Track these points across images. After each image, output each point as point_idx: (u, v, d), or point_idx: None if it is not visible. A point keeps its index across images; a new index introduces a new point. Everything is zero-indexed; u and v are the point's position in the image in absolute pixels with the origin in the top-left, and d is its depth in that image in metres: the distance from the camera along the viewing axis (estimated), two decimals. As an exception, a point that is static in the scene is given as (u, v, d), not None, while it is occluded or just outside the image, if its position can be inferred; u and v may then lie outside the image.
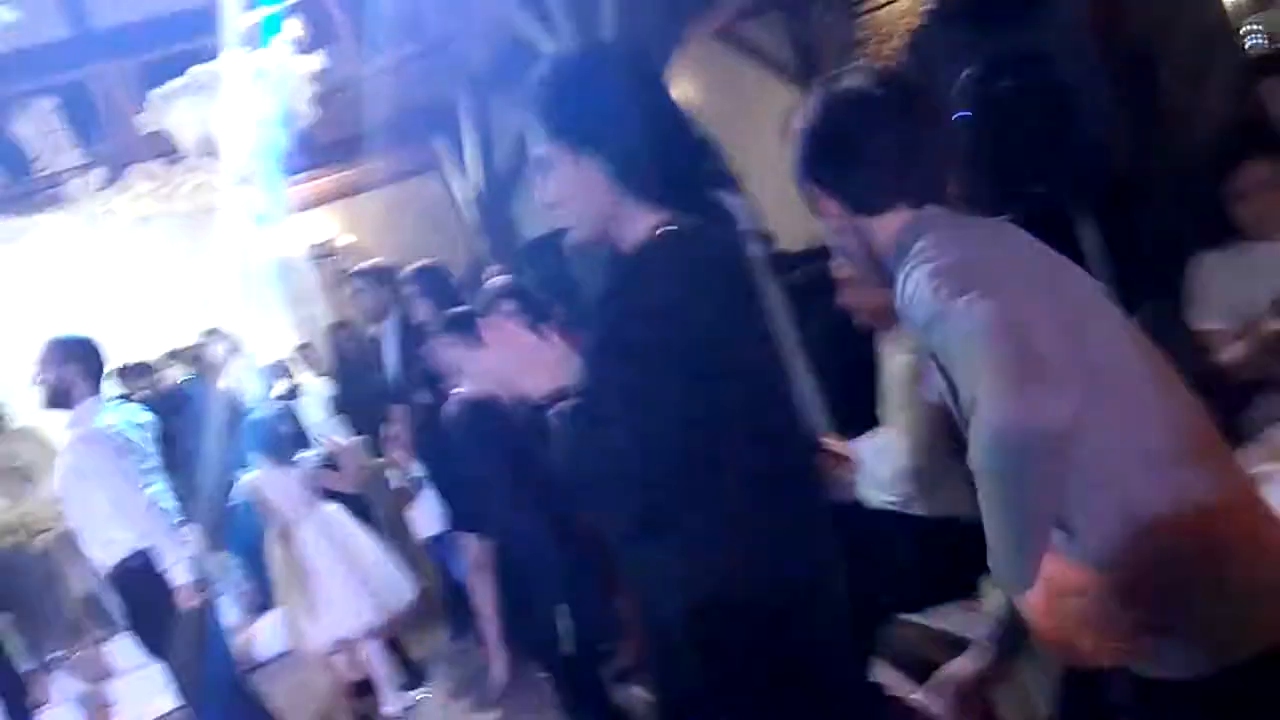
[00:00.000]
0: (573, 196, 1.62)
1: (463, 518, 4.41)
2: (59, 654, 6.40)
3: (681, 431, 1.47)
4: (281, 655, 5.95)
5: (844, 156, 1.49)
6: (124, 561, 3.76)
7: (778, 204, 3.37)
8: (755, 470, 1.53)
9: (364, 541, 4.69)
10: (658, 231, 1.57)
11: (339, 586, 4.46)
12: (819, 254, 2.76)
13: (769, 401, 1.62)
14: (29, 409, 7.37)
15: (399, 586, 4.66)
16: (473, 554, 4.49)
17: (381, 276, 4.90)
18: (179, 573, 3.71)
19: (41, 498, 7.11)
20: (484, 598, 4.48)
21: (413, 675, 4.94)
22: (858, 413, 2.71)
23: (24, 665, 5.87)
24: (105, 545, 3.79)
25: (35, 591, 6.70)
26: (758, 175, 3.90)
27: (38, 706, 5.65)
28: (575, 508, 2.78)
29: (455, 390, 3.36)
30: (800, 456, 1.70)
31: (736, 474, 1.52)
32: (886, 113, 1.46)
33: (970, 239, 1.45)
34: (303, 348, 8.54)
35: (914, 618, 2.39)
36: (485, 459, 3.29)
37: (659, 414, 1.46)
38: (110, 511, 3.73)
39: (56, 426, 4.18)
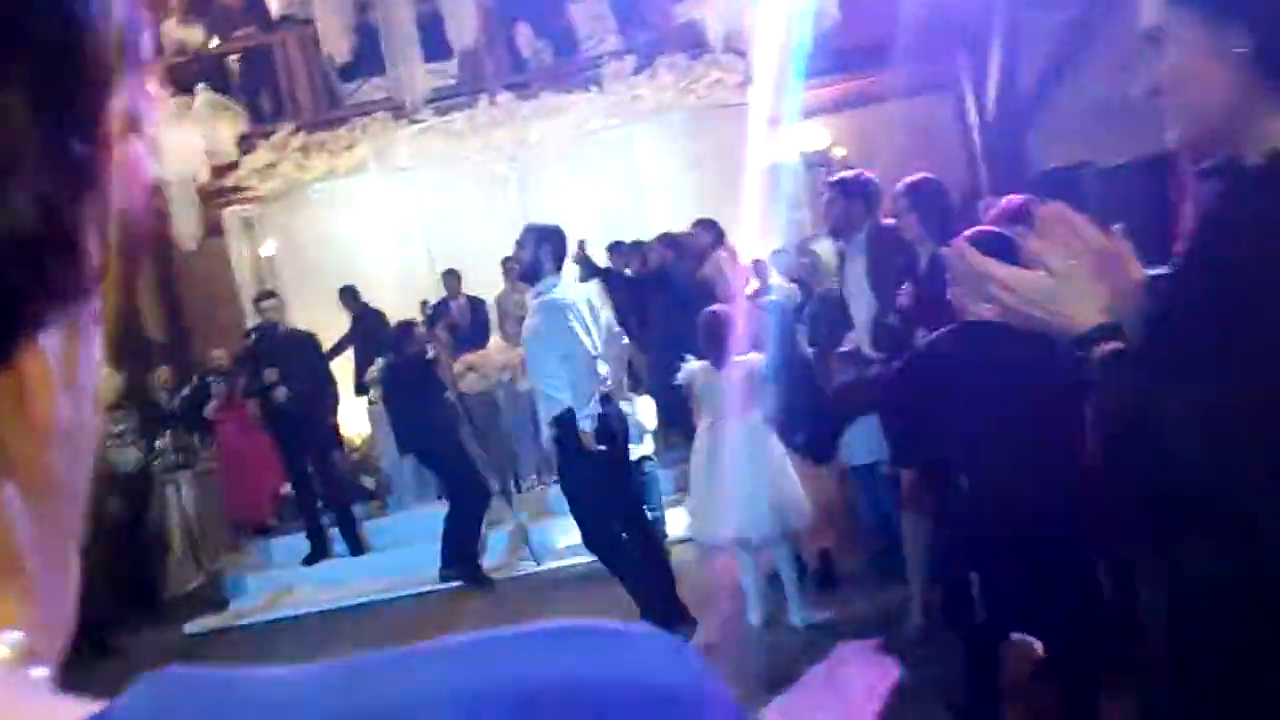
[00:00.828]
0: (1188, 82, 1.24)
1: (911, 453, 4.17)
2: (513, 486, 7.20)
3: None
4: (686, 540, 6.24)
5: None
6: (559, 415, 4.50)
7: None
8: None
9: (779, 456, 4.70)
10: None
11: (747, 491, 4.51)
12: None
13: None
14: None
15: (800, 507, 4.65)
16: (907, 489, 4.27)
17: (857, 188, 4.64)
18: (585, 424, 4.43)
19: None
20: (912, 537, 4.27)
21: (827, 591, 4.91)
22: None
23: (492, 487, 6.71)
24: (547, 398, 4.59)
25: (510, 428, 7.54)
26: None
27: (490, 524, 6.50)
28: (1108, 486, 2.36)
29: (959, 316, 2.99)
30: None
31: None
32: None
33: None
34: (777, 253, 8.67)
35: None
36: (977, 402, 2.84)
37: (1265, 379, 1.10)
38: (554, 369, 4.48)
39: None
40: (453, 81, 10.09)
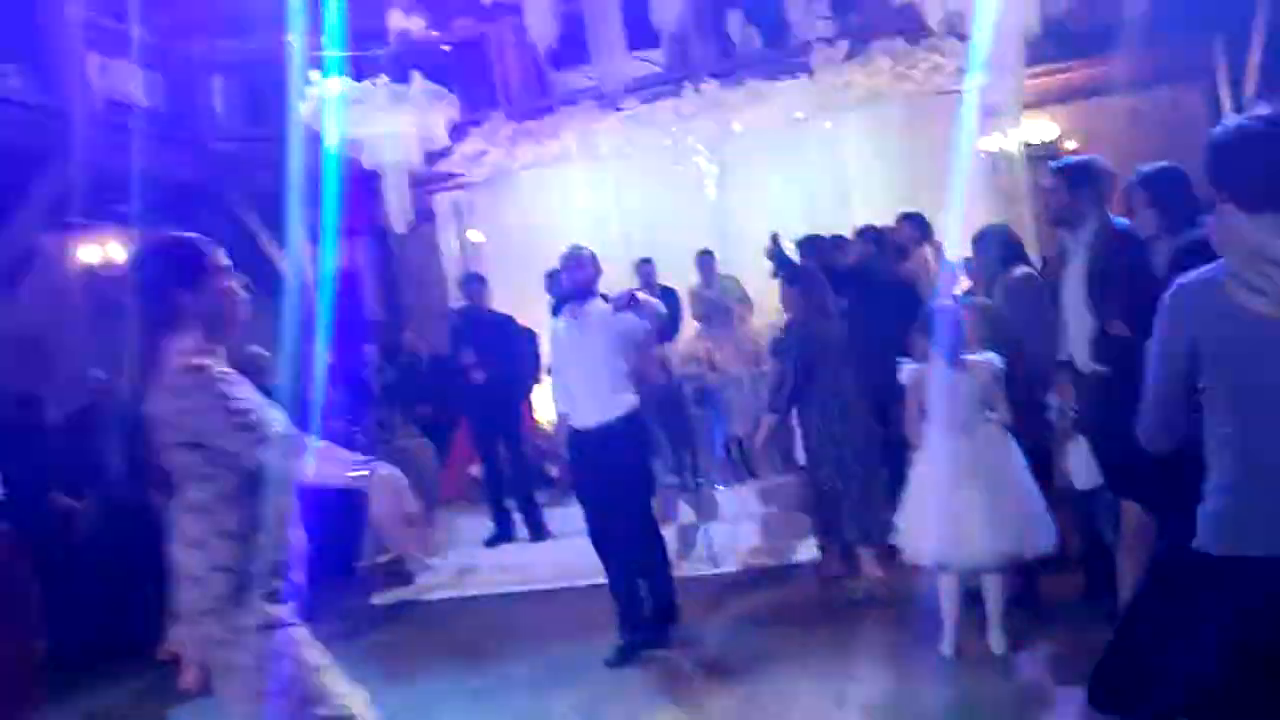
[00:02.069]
0: None
1: (1125, 485, 3.68)
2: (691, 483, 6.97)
3: None
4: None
5: None
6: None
7: None
8: None
9: (1019, 470, 4.24)
10: None
11: (977, 510, 4.10)
12: None
13: None
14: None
15: (1043, 529, 4.18)
16: (1131, 524, 3.77)
17: (1084, 175, 4.06)
18: None
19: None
20: (1126, 575, 3.77)
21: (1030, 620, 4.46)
22: None
23: (664, 481, 6.53)
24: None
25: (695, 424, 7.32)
26: None
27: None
28: None
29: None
30: None
31: None
32: None
33: None
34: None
35: None
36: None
37: None
38: None
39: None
40: (658, 69, 10.01)
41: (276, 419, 2.22)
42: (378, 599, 6.77)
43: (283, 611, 2.26)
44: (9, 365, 7.98)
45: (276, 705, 2.17)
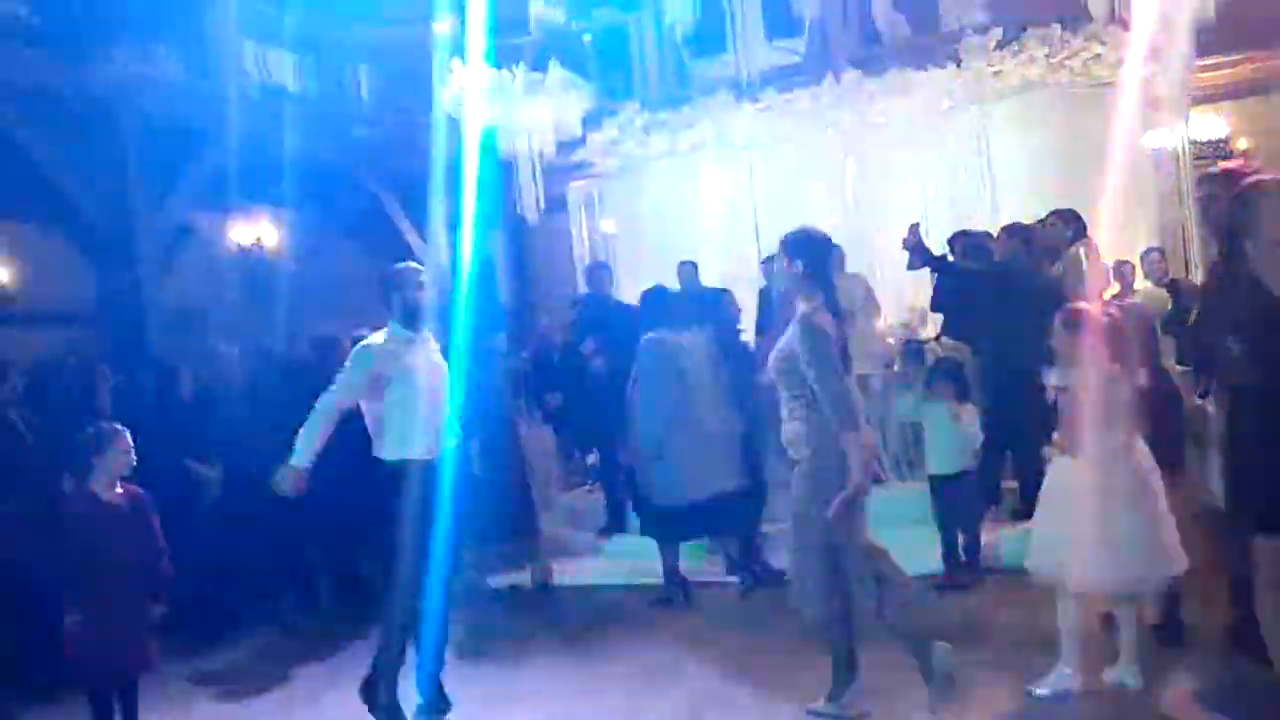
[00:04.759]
0: None
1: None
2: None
3: None
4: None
5: None
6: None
7: None
8: None
9: (1159, 490, 3.87)
10: None
11: (1122, 530, 3.74)
12: None
13: None
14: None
15: (1180, 554, 3.82)
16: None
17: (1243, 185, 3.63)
18: None
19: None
20: (1275, 617, 3.34)
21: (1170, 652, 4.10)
22: None
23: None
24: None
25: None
26: None
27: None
28: None
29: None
30: None
31: None
32: None
33: None
34: (1149, 252, 7.58)
35: None
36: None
37: None
38: None
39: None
40: (798, 59, 9.76)
41: None
42: (494, 581, 6.77)
43: None
44: (159, 338, 8.39)
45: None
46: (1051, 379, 4.16)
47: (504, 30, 9.22)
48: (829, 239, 4.14)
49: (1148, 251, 7.59)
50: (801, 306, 3.90)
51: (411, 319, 4.30)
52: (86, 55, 7.85)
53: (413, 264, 4.49)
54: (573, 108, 9.19)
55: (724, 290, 7.14)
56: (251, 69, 9.81)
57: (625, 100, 10.31)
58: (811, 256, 3.95)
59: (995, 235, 7.14)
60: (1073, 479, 3.93)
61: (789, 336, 3.89)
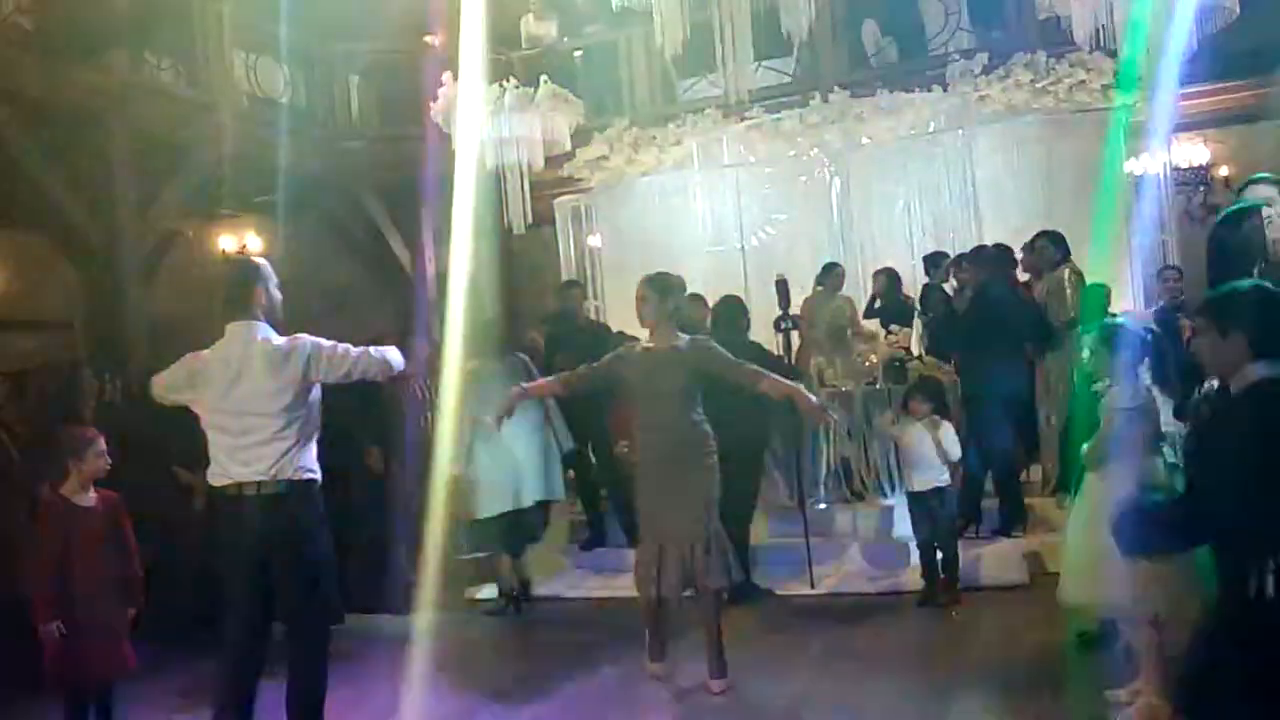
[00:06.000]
0: None
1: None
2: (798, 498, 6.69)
3: None
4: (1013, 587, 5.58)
5: None
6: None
7: None
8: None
9: None
10: None
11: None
12: None
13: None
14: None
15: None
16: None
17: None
18: None
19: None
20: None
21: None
22: None
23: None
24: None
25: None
26: None
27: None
28: None
29: None
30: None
31: None
32: None
33: None
34: (1164, 270, 7.58)
35: None
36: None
37: None
38: None
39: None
40: (787, 79, 9.85)
41: None
42: (479, 592, 6.76)
43: None
44: (145, 345, 8.35)
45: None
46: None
47: (494, 45, 9.27)
48: None
49: (1163, 270, 7.60)
50: None
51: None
52: (77, 63, 7.84)
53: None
54: (562, 123, 9.24)
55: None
56: (242, 79, 9.82)
57: (614, 116, 10.38)
58: None
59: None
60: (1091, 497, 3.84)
61: None
